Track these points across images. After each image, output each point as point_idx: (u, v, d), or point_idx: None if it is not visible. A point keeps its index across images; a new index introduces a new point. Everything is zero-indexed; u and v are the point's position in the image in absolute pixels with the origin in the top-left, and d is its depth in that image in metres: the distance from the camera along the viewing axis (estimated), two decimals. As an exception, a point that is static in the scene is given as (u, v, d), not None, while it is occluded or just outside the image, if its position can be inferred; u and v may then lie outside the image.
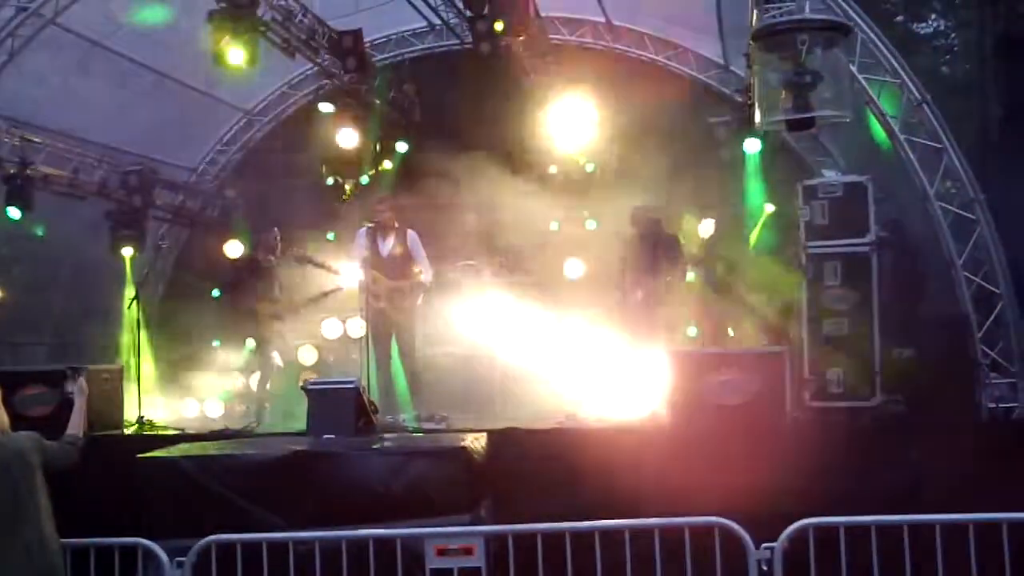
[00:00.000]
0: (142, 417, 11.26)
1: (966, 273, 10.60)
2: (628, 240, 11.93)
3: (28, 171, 12.35)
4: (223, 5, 10.41)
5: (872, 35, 10.62)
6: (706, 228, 13.61)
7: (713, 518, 6.71)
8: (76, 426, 6.59)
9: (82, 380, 6.96)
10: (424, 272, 11.17)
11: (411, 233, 11.22)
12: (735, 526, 6.66)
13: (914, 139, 10.70)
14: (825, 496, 8.16)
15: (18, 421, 6.64)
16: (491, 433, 9.26)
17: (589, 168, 14.65)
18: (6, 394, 6.59)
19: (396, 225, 11.16)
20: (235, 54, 10.31)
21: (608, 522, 6.95)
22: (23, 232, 13.15)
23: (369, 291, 10.85)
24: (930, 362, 9.98)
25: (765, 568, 6.55)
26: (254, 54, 10.40)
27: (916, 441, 8.98)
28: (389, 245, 11.08)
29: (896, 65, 10.68)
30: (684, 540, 6.75)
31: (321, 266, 12.39)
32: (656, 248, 11.57)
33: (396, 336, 11.15)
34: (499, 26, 10.32)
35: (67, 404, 7.06)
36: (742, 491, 8.34)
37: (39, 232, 13.55)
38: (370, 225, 11.12)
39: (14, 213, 12.37)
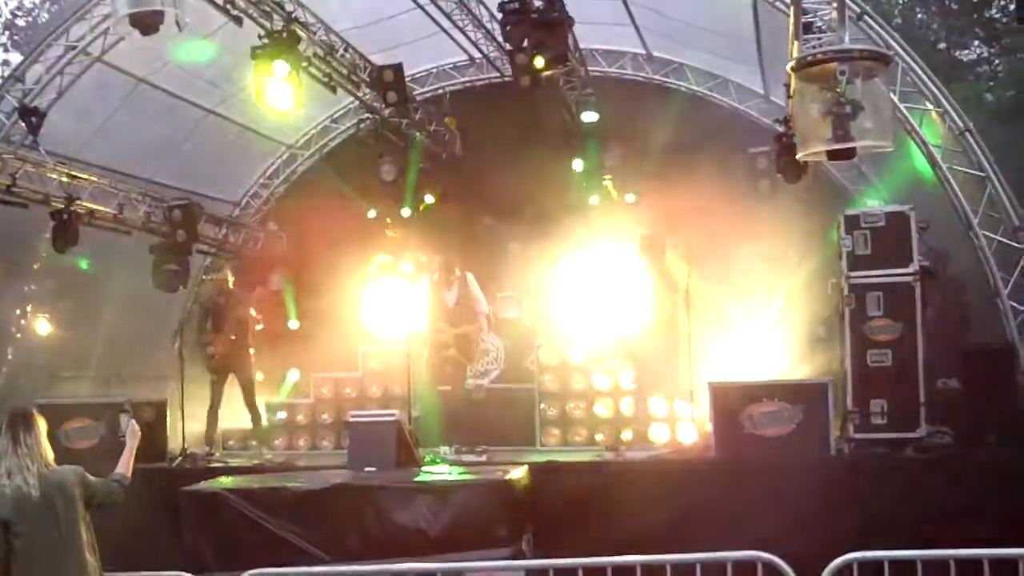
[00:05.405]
0: (186, 449, 11.32)
1: (1012, 303, 10.47)
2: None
3: (74, 207, 12.48)
4: (266, 42, 10.55)
5: (913, 64, 10.54)
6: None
7: (755, 552, 6.63)
8: (124, 466, 6.61)
9: (134, 423, 7.01)
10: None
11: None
12: (778, 561, 6.57)
13: (957, 168, 10.59)
14: (870, 529, 8.06)
15: (63, 454, 6.69)
16: (532, 466, 9.26)
17: (630, 199, 14.65)
18: (52, 427, 6.66)
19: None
20: (277, 91, 10.46)
21: (650, 556, 6.88)
22: (69, 266, 13.31)
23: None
24: (976, 393, 9.84)
25: (809, 604, 6.46)
26: (298, 94, 10.53)
27: (962, 473, 8.86)
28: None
29: (938, 94, 10.59)
30: (726, 575, 6.68)
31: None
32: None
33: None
34: (539, 60, 10.31)
35: (112, 438, 7.11)
36: (785, 524, 8.29)
37: (84, 266, 13.71)
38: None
39: (60, 247, 12.50)
